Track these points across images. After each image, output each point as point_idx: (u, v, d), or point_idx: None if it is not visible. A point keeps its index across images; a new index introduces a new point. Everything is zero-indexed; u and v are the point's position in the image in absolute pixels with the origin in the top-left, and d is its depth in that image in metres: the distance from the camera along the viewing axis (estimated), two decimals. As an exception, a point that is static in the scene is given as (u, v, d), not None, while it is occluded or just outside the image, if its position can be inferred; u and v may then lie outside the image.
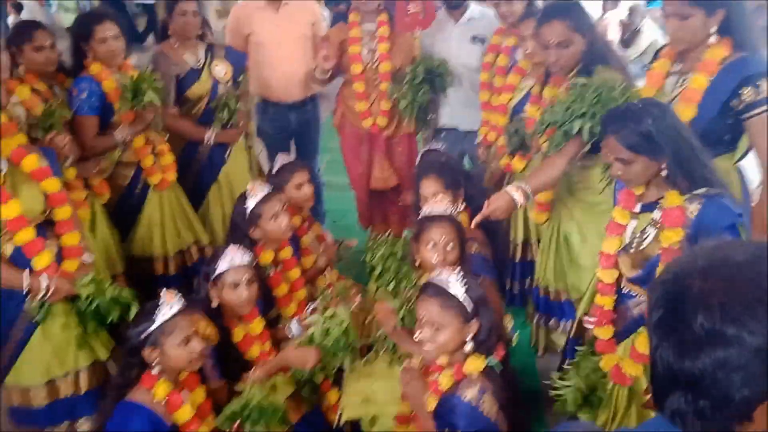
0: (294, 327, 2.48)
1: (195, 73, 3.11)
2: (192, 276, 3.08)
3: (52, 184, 2.26)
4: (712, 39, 2.10)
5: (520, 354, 2.94)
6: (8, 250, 2.16)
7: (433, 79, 3.27)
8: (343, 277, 2.94)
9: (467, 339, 1.81)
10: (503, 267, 3.06)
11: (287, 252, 2.67)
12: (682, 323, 0.76)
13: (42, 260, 2.18)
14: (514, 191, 2.31)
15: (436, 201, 2.36)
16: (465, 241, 2.22)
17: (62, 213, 2.29)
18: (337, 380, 2.43)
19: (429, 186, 2.48)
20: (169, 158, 3.03)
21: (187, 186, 3.19)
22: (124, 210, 2.97)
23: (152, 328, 1.87)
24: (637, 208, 1.97)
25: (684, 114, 2.07)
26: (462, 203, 2.50)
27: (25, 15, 7.86)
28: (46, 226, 2.26)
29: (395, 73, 3.36)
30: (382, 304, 2.34)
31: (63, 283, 2.20)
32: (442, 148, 2.88)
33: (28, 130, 2.41)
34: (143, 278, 2.99)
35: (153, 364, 1.89)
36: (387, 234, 2.62)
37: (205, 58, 3.15)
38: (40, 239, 2.19)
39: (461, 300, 1.79)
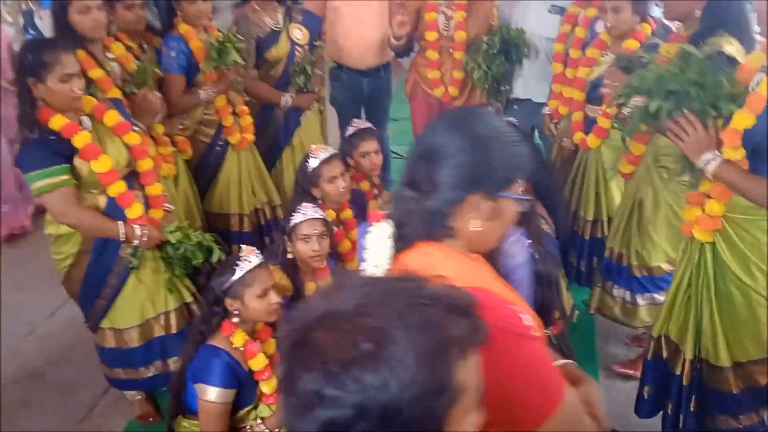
0: None
1: (274, 36, 3.16)
2: (265, 234, 3.23)
3: (134, 137, 2.39)
4: None
5: (581, 333, 2.96)
6: (101, 202, 2.30)
7: (509, 50, 3.23)
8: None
9: None
10: (567, 243, 3.06)
11: (348, 213, 2.78)
12: (293, 382, 0.70)
13: (135, 210, 2.32)
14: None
15: None
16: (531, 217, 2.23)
17: (145, 164, 2.43)
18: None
19: None
20: (248, 119, 3.13)
21: (262, 148, 3.28)
22: (204, 168, 3.10)
23: (233, 279, 1.99)
24: None
25: (739, 122, 1.78)
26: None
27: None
28: (132, 178, 2.40)
29: (470, 42, 3.33)
30: None
31: (153, 231, 2.35)
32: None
33: (122, 86, 2.55)
34: (219, 234, 3.14)
35: (233, 314, 2.01)
36: None
37: (284, 22, 3.20)
38: (130, 192, 2.33)
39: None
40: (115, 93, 2.36)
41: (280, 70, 3.22)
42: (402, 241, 1.09)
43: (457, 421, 0.72)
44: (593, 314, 2.95)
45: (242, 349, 2.03)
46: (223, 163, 3.11)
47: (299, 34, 3.21)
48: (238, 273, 2.00)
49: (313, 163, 2.60)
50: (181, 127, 2.94)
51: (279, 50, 3.18)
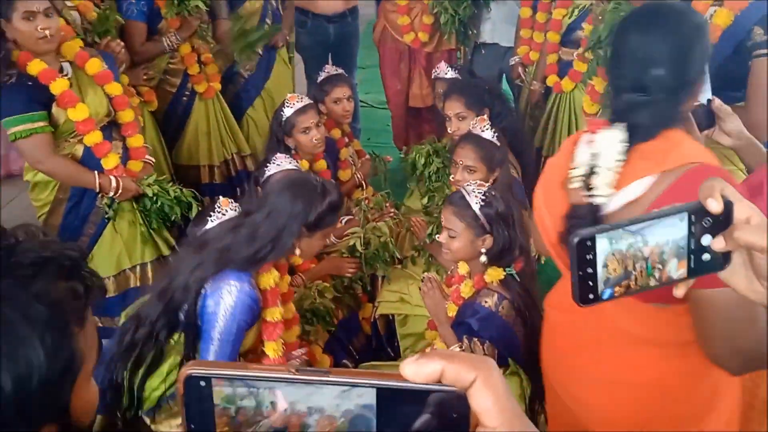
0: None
1: None
2: (236, 185, 3.22)
3: (116, 87, 2.35)
4: None
5: (550, 271, 3.06)
6: (78, 151, 2.28)
7: (475, -8, 3.21)
8: (378, 194, 3.04)
9: (481, 251, 1.89)
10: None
11: (322, 164, 2.77)
12: None
13: (110, 161, 2.30)
14: None
15: (462, 124, 2.48)
16: (496, 162, 2.28)
17: (126, 116, 2.40)
18: (372, 293, 2.59)
19: (452, 106, 2.56)
20: (214, 67, 3.05)
21: (228, 100, 3.21)
22: (171, 119, 3.03)
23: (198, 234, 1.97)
24: None
25: None
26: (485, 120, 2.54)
27: None
28: (111, 129, 2.37)
29: (440, -13, 3.29)
30: (417, 218, 2.47)
31: (129, 183, 2.34)
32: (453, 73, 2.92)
33: (83, 36, 2.45)
34: (190, 186, 3.11)
35: None
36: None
37: None
38: (106, 142, 2.30)
39: (475, 212, 1.87)
40: (78, 42, 2.27)
41: (255, 21, 3.11)
42: (641, 135, 1.22)
43: (81, 388, 0.69)
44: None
45: None
46: (191, 114, 3.04)
47: None
48: (211, 224, 2.00)
49: (287, 112, 2.56)
50: (145, 77, 2.85)
51: (252, 3, 3.05)
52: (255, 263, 1.73)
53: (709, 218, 0.66)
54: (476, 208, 1.87)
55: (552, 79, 3.02)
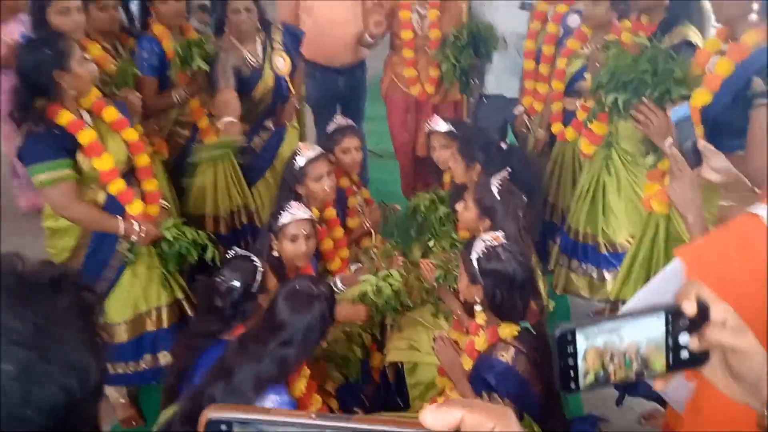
0: (338, 283, 2.61)
1: (257, 73, 3.01)
2: (240, 237, 3.21)
3: (132, 133, 2.41)
4: (753, 17, 1.86)
5: (558, 318, 3.03)
6: (100, 198, 2.33)
7: (477, 43, 3.28)
8: (386, 241, 3.04)
9: (477, 300, 1.91)
10: (545, 232, 3.15)
11: (331, 212, 2.79)
12: None
13: (135, 207, 2.35)
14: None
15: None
16: (490, 210, 2.31)
17: (142, 160, 2.46)
18: (381, 342, 2.56)
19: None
20: (223, 120, 3.11)
21: (244, 166, 3.14)
22: (180, 169, 3.07)
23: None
24: None
25: (697, 99, 1.95)
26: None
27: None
28: (129, 175, 2.42)
29: (445, 40, 3.37)
30: (426, 261, 2.47)
31: (151, 227, 2.37)
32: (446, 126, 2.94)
33: (100, 87, 2.51)
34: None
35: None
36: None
37: (264, 52, 3.03)
38: (130, 189, 2.35)
39: (472, 260, 1.91)
40: (95, 93, 2.34)
41: (268, 101, 3.10)
42: None
43: None
44: (569, 301, 3.03)
45: None
46: (199, 165, 3.07)
47: (281, 63, 3.05)
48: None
49: (300, 161, 2.60)
50: (156, 128, 2.92)
51: (265, 85, 3.04)
52: (289, 373, 1.85)
53: (686, 318, 0.70)
54: (473, 256, 1.90)
55: (557, 127, 3.06)
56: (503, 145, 2.78)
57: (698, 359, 0.71)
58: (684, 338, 0.70)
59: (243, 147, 3.11)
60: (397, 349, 2.37)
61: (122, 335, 2.46)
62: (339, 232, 2.84)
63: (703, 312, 0.69)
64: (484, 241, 1.94)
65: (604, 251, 2.79)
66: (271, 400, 1.74)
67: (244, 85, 2.97)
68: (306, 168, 2.59)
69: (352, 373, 2.41)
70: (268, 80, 3.03)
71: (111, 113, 2.34)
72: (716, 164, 1.61)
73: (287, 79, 3.07)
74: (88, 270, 2.39)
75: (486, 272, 1.88)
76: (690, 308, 0.68)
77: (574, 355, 0.68)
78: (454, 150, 2.62)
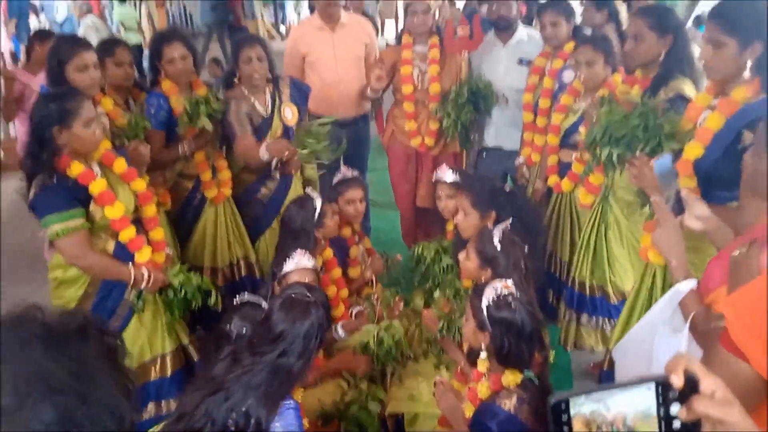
0: (340, 331, 2.61)
1: (267, 122, 3.10)
2: (238, 290, 3.20)
3: (140, 184, 2.47)
4: (746, 74, 1.92)
5: (559, 371, 3.01)
6: (110, 246, 2.37)
7: (476, 99, 3.38)
8: (387, 290, 3.04)
9: (482, 346, 1.90)
10: (544, 283, 3.15)
11: (329, 253, 2.84)
12: None
13: (144, 254, 2.39)
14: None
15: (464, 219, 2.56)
16: (492, 260, 2.30)
17: (150, 210, 2.52)
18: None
19: (461, 201, 2.63)
20: (226, 174, 3.16)
21: (246, 222, 3.24)
22: (182, 220, 3.12)
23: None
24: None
25: (689, 152, 2.01)
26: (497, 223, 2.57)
27: (87, 31, 8.35)
28: (136, 224, 2.46)
29: (444, 94, 3.47)
30: (428, 311, 2.47)
31: (159, 274, 2.40)
32: (453, 176, 2.97)
33: (111, 139, 2.60)
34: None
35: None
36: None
37: (273, 102, 3.12)
38: (140, 236, 2.40)
39: (481, 308, 1.89)
40: (106, 145, 2.42)
41: None
42: None
43: None
44: (570, 353, 3.00)
45: None
46: (201, 217, 3.13)
47: (289, 114, 3.16)
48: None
49: (317, 203, 2.71)
50: (161, 179, 2.98)
51: (274, 134, 3.12)
52: (295, 384, 1.83)
53: (675, 390, 0.74)
54: (483, 303, 1.89)
55: (553, 180, 3.11)
56: (507, 188, 2.80)
57: (691, 429, 0.74)
58: (675, 408, 0.73)
59: (249, 196, 3.19)
60: (398, 399, 2.35)
61: None
62: (337, 272, 2.88)
63: (693, 384, 0.74)
64: (495, 288, 1.92)
65: (614, 301, 2.79)
66: (283, 405, 1.74)
67: (254, 133, 3.06)
68: (322, 208, 2.70)
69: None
70: (276, 130, 3.11)
71: (120, 165, 2.41)
72: (699, 213, 1.69)
73: (294, 130, 3.15)
74: None
75: (495, 320, 1.86)
76: (677, 381, 0.73)
77: (569, 423, 0.71)
78: (466, 203, 2.59)
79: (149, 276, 2.35)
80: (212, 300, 2.47)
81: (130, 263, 2.36)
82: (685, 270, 1.64)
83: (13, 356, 0.65)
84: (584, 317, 2.88)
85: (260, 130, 3.08)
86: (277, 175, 3.20)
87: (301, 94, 3.25)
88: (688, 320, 1.54)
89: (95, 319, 0.74)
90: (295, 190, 3.28)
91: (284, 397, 1.75)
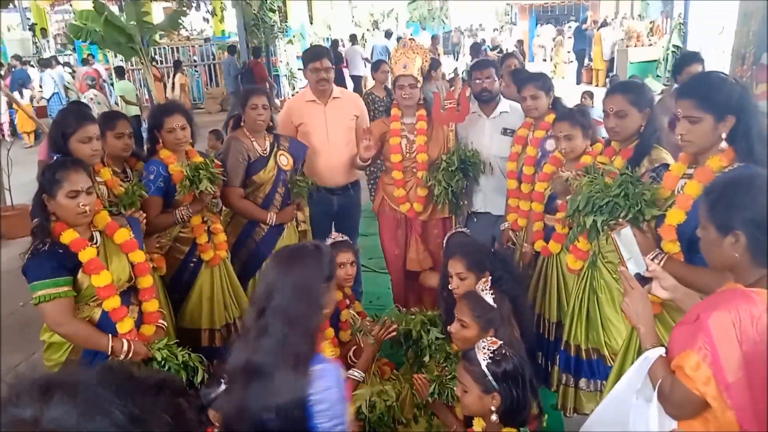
0: None
1: (263, 160, 3.38)
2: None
3: (139, 255, 2.52)
4: (723, 145, 2.00)
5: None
6: (96, 314, 2.40)
7: (466, 167, 3.53)
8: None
9: (492, 408, 1.91)
10: (533, 345, 3.17)
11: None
12: None
13: (125, 325, 2.41)
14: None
15: (462, 284, 2.58)
16: (490, 321, 2.32)
17: (145, 282, 2.55)
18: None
19: (455, 266, 2.67)
20: (221, 237, 3.26)
21: (240, 261, 3.42)
22: (178, 284, 3.17)
23: (219, 391, 2.02)
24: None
25: (672, 218, 2.09)
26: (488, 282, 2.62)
27: (89, 104, 8.63)
28: (130, 293, 2.51)
29: (431, 162, 3.61)
30: (419, 376, 2.47)
31: (140, 347, 2.42)
32: (467, 231, 3.06)
33: (108, 207, 2.68)
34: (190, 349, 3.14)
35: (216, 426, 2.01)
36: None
37: (271, 148, 3.42)
38: (124, 307, 2.42)
39: (483, 370, 1.92)
40: (107, 214, 2.50)
41: (266, 190, 3.42)
42: None
43: None
44: (561, 416, 2.99)
45: None
46: (196, 280, 3.19)
47: (285, 160, 3.45)
48: (223, 387, 2.00)
49: None
50: (157, 245, 3.05)
51: (267, 173, 3.38)
52: (314, 339, 1.69)
53: None
54: (483, 364, 1.92)
55: (539, 244, 3.20)
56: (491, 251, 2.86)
57: None
58: None
59: (245, 236, 3.39)
60: None
61: None
62: (330, 333, 2.89)
63: None
64: (484, 348, 1.96)
65: (610, 363, 2.78)
66: (323, 371, 1.62)
67: (249, 169, 3.35)
68: None
69: None
70: (270, 169, 3.38)
71: (122, 235, 2.47)
72: (665, 284, 1.80)
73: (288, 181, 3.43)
74: None
75: (499, 376, 1.90)
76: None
77: None
78: (464, 261, 2.64)
79: (128, 347, 2.37)
80: (198, 379, 2.44)
81: (110, 335, 2.37)
82: (654, 337, 1.70)
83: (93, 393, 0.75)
84: (582, 381, 2.88)
85: (256, 165, 3.34)
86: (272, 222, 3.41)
87: (298, 148, 3.56)
88: (656, 389, 1.57)
89: (175, 381, 0.84)
90: (289, 238, 3.47)
91: (309, 354, 1.64)
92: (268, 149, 3.42)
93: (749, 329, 1.36)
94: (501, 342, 2.01)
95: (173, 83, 11.94)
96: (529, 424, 1.93)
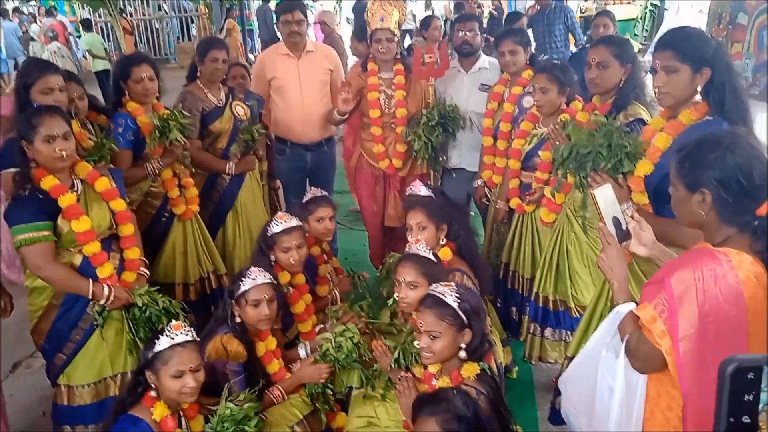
0: (304, 349, 2.65)
1: (218, 111, 3.34)
2: (210, 303, 3.23)
3: (120, 204, 2.52)
4: (697, 98, 2.02)
5: (521, 386, 3.10)
6: (77, 260, 2.41)
7: (446, 122, 3.49)
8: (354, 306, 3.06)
9: (462, 346, 1.96)
10: (507, 299, 3.28)
11: (301, 278, 2.85)
12: None
13: (105, 270, 2.42)
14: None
15: (421, 234, 2.59)
16: (433, 277, 2.28)
17: (126, 230, 2.57)
18: (345, 405, 2.54)
19: (414, 216, 2.68)
20: (193, 191, 3.20)
21: (207, 212, 3.38)
22: (150, 238, 3.10)
23: (153, 352, 1.99)
24: None
25: (640, 169, 2.11)
26: (443, 237, 2.66)
27: (53, 57, 8.35)
28: (111, 241, 2.52)
29: (410, 117, 3.57)
30: (379, 342, 2.46)
31: (121, 292, 2.43)
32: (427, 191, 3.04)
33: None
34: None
35: (153, 387, 2.00)
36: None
37: (227, 99, 3.39)
38: (104, 252, 2.43)
39: (455, 310, 1.95)
40: (85, 164, 2.48)
41: (224, 142, 3.37)
42: None
43: None
44: (532, 367, 3.07)
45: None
46: (169, 234, 3.14)
47: (240, 110, 3.41)
48: (158, 347, 1.99)
49: (273, 228, 2.70)
50: (128, 199, 2.97)
51: (222, 123, 3.34)
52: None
53: None
54: (455, 305, 1.95)
55: (515, 202, 3.22)
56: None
57: None
58: None
59: (207, 190, 3.38)
60: (358, 428, 2.31)
61: (85, 397, 2.48)
62: (308, 298, 2.87)
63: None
64: (444, 290, 1.99)
65: (576, 315, 2.85)
66: None
67: (205, 119, 3.31)
68: (277, 236, 2.69)
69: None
70: (226, 119, 3.35)
71: (102, 183, 2.48)
72: (643, 238, 1.80)
73: (254, 133, 3.40)
74: (58, 330, 2.45)
75: (470, 312, 1.96)
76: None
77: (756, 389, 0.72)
78: (423, 211, 2.65)
79: (109, 292, 2.38)
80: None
81: (91, 279, 2.38)
82: (626, 293, 1.72)
83: None
84: (548, 331, 2.95)
85: (210, 116, 3.32)
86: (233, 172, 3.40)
87: (254, 98, 3.53)
88: (624, 342, 1.59)
89: None
90: (251, 187, 3.49)
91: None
92: (223, 100, 3.38)
93: (712, 288, 1.37)
94: (452, 283, 2.06)
95: (222, 27, 11.68)
96: (485, 357, 1.99)
